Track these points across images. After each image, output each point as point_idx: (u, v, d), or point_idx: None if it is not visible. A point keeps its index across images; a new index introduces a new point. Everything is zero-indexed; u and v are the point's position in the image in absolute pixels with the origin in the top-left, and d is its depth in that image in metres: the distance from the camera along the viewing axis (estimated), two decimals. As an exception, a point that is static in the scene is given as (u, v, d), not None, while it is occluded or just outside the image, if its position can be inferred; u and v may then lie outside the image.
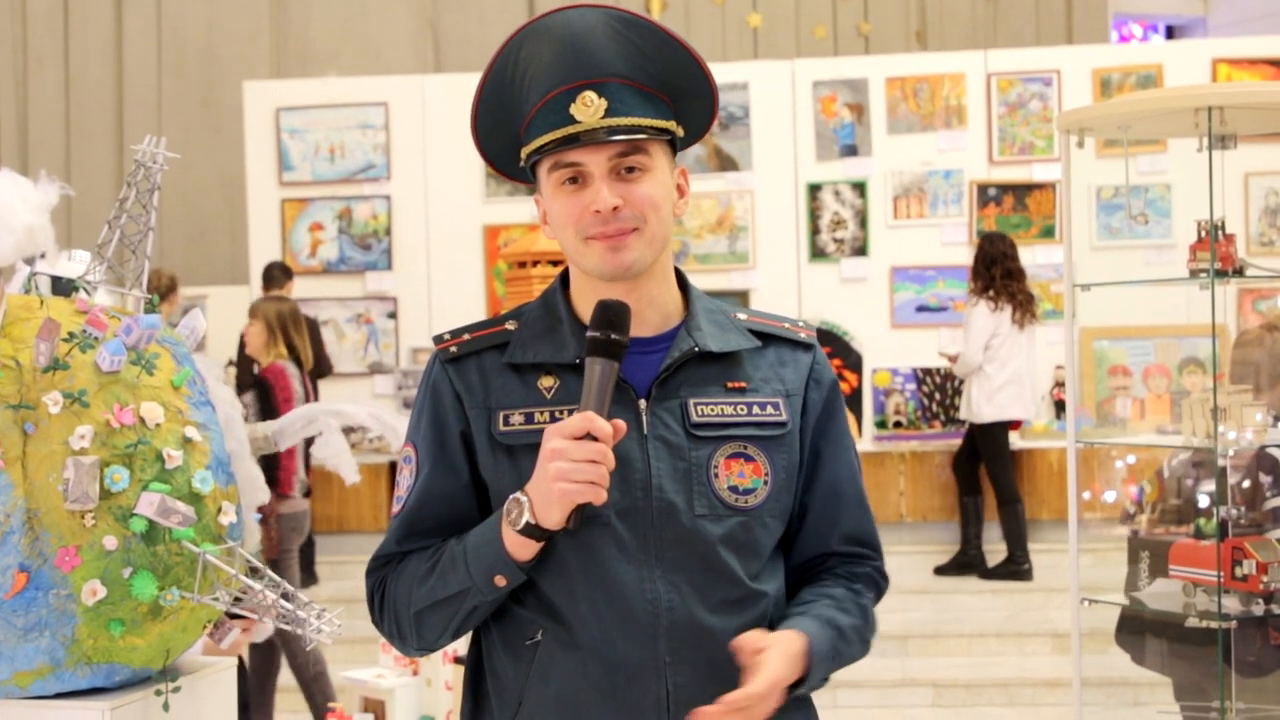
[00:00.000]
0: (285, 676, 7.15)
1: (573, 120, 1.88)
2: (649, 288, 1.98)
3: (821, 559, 2.07)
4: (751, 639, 1.86)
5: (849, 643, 1.99)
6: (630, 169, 1.91)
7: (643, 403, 1.94)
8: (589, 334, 1.87)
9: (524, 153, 1.96)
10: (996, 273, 7.80)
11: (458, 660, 4.08)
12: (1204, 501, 4.08)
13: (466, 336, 2.02)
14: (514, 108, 1.96)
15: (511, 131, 1.99)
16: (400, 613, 1.97)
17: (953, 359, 8.21)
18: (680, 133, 1.99)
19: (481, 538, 1.90)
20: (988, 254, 7.88)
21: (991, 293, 7.77)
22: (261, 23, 11.73)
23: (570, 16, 1.91)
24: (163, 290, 8.36)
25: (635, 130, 1.90)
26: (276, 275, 8.70)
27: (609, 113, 1.88)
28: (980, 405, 7.84)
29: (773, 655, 1.84)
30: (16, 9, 11.54)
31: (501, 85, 1.96)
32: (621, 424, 1.84)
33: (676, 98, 1.96)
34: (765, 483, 1.96)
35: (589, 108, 1.88)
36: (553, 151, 1.91)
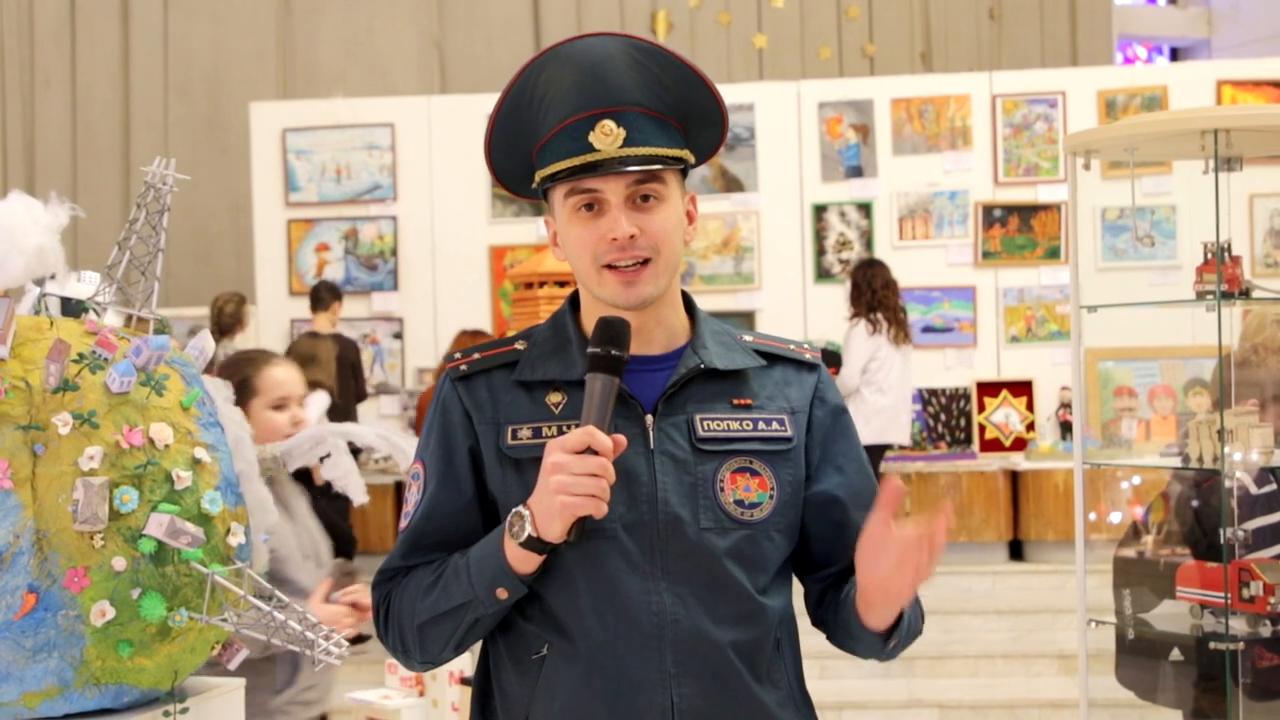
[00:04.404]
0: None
1: (591, 148, 1.92)
2: (657, 309, 2.01)
3: None
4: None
5: (918, 615, 2.09)
6: (646, 197, 1.95)
7: (649, 418, 1.97)
8: (589, 349, 1.90)
9: (539, 175, 1.99)
10: (877, 284, 7.79)
11: (464, 681, 4.07)
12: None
13: (476, 356, 2.06)
14: (529, 130, 1.99)
15: (525, 152, 2.02)
16: (404, 625, 1.99)
17: None
18: (692, 160, 2.03)
19: (484, 550, 1.92)
20: (865, 274, 7.88)
21: (873, 315, 7.75)
22: (268, 44, 11.76)
23: (591, 44, 1.95)
24: (230, 313, 8.32)
25: (652, 160, 1.93)
26: (324, 296, 8.49)
27: (627, 142, 1.92)
28: (858, 429, 7.82)
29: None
30: (24, 30, 11.57)
31: (519, 107, 1.99)
32: (622, 438, 1.86)
33: (689, 125, 2.01)
34: (771, 497, 2.00)
35: (608, 136, 1.92)
36: (570, 178, 1.94)
